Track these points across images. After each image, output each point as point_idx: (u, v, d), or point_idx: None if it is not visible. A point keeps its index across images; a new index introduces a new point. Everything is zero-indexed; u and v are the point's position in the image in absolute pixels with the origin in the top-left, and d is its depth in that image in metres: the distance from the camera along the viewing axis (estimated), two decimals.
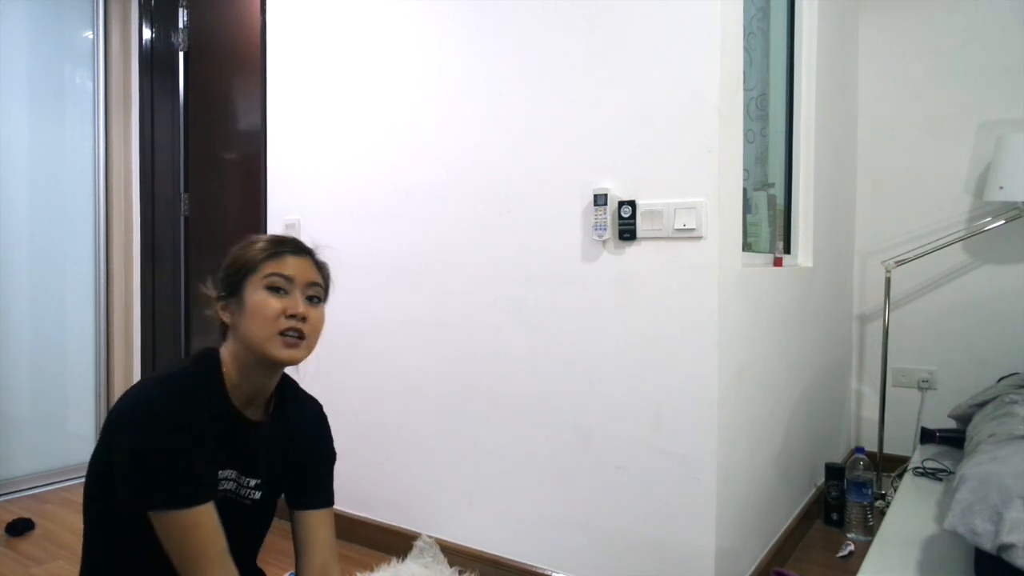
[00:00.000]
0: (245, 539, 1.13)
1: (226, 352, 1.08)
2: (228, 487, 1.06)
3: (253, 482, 1.09)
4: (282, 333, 1.03)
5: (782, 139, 2.31)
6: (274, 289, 1.05)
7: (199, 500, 0.94)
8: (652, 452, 1.65)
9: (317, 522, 1.17)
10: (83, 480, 1.04)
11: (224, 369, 1.06)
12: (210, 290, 1.10)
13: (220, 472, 1.04)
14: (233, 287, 1.06)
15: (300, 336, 1.05)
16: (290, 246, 1.09)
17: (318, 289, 1.11)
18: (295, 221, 2.35)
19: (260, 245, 1.08)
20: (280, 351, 1.04)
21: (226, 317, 1.07)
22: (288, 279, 1.06)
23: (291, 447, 1.17)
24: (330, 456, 1.24)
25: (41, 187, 2.81)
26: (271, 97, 2.43)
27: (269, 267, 1.05)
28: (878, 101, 2.92)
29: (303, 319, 1.05)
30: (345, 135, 2.22)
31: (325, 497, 1.20)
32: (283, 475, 1.16)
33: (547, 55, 1.79)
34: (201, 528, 0.94)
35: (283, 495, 1.19)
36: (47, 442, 2.82)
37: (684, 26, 1.58)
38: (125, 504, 0.94)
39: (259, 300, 1.04)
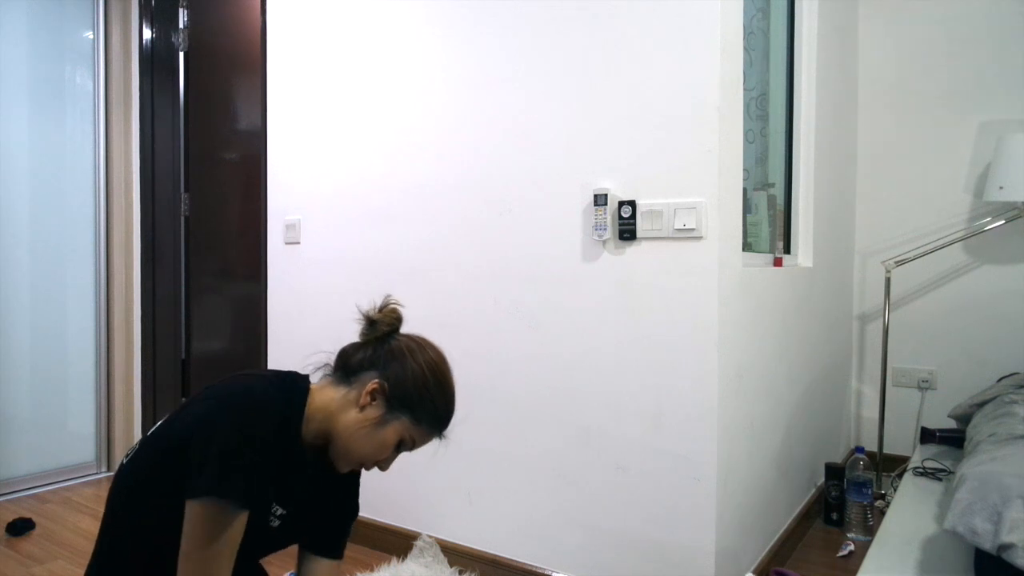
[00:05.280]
0: (250, 557, 1.14)
1: (320, 396, 1.07)
2: (273, 518, 1.07)
3: (280, 511, 1.08)
4: (361, 465, 1.08)
5: (782, 139, 2.31)
6: (398, 445, 1.07)
7: (249, 507, 0.94)
8: (652, 452, 1.65)
9: (326, 570, 1.18)
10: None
11: (308, 406, 1.06)
12: (383, 366, 1.06)
13: (273, 506, 1.06)
14: (391, 404, 1.05)
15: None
16: (447, 428, 1.12)
17: None
18: (295, 221, 2.36)
19: (438, 412, 1.08)
20: (343, 468, 1.09)
21: (365, 399, 1.04)
22: (412, 450, 1.10)
23: (324, 492, 1.17)
24: (355, 511, 1.24)
25: (41, 187, 2.81)
26: (271, 97, 2.43)
27: (419, 431, 1.07)
28: (878, 101, 2.92)
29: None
30: (345, 135, 2.22)
31: (339, 550, 1.20)
32: (307, 515, 1.15)
33: (547, 55, 1.79)
34: (234, 530, 0.93)
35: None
36: (47, 442, 2.83)
37: (684, 26, 1.58)
38: (179, 482, 0.93)
39: (385, 441, 1.05)
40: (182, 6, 2.90)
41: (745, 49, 1.77)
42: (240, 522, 0.94)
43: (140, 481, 1.00)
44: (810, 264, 2.33)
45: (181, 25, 2.90)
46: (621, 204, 1.66)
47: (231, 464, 0.91)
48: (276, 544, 1.14)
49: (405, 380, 1.04)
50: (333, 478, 1.16)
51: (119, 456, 2.97)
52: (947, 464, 2.13)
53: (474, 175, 1.93)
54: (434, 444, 1.17)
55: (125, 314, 3.02)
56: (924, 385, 2.82)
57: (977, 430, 1.92)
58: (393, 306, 1.13)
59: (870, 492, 2.24)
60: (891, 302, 2.73)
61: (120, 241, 3.01)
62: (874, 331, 2.94)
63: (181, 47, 2.91)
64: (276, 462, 1.00)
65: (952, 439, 2.34)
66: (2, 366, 2.70)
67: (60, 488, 2.78)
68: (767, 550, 1.94)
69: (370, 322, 1.11)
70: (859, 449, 2.28)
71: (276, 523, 1.09)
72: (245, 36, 2.63)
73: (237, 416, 0.93)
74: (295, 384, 1.07)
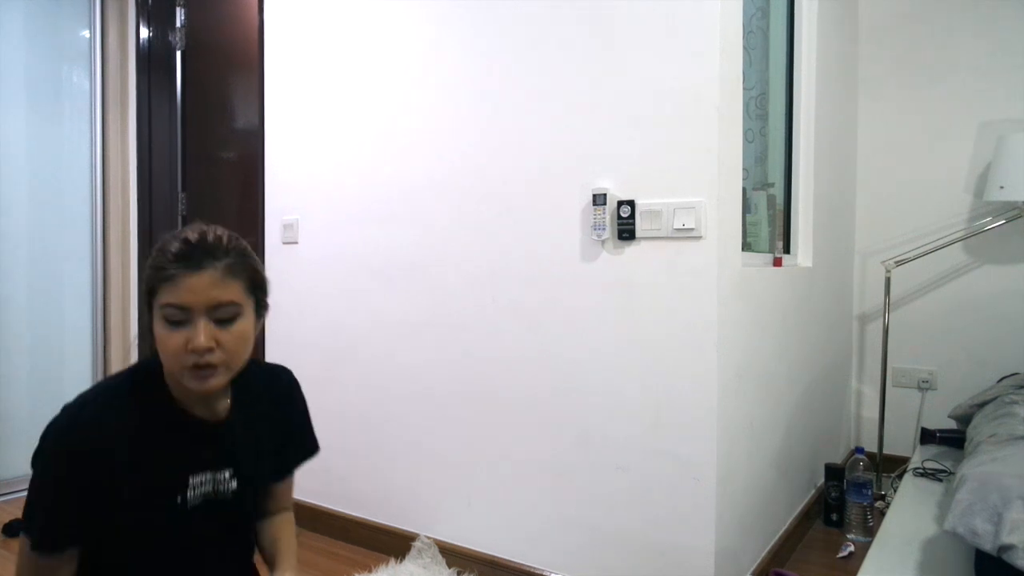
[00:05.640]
0: (236, 534, 1.11)
1: None
2: (207, 489, 1.02)
3: (227, 473, 1.04)
4: (191, 367, 0.92)
5: (782, 139, 2.31)
6: (172, 322, 0.91)
7: (57, 549, 0.92)
8: (652, 452, 1.65)
9: (278, 490, 1.19)
10: None
11: (167, 377, 0.99)
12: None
13: (193, 477, 1.00)
14: (148, 307, 0.95)
15: (212, 366, 0.93)
16: (185, 262, 0.91)
17: (231, 309, 0.94)
18: (293, 221, 2.35)
19: (155, 261, 0.93)
20: (193, 384, 0.93)
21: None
22: (183, 309, 0.91)
23: (264, 431, 1.11)
24: (303, 449, 1.20)
25: (39, 187, 2.81)
26: (269, 96, 2.43)
27: (163, 296, 0.91)
28: (878, 100, 2.92)
29: (210, 350, 0.92)
30: (344, 134, 2.21)
31: (295, 464, 1.19)
32: (260, 461, 1.11)
33: (547, 54, 1.78)
34: (43, 570, 0.93)
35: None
36: None
37: (684, 25, 1.57)
38: None
39: (159, 335, 0.92)
40: (179, 5, 2.89)
41: (745, 49, 1.77)
42: (58, 564, 0.93)
43: None
44: (810, 264, 2.33)
45: (178, 24, 2.90)
46: (620, 204, 1.66)
47: (34, 510, 0.93)
48: (247, 505, 1.09)
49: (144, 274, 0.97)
50: (269, 411, 1.12)
51: None
52: (947, 465, 2.12)
53: (473, 175, 1.93)
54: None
55: (122, 314, 3.01)
56: (924, 385, 2.81)
57: (977, 431, 1.91)
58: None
59: (870, 493, 2.23)
60: (891, 302, 2.72)
61: (117, 240, 3.00)
62: (874, 331, 2.93)
63: (178, 46, 2.90)
64: (133, 465, 0.94)
65: (952, 440, 2.34)
66: (3, 366, 2.69)
67: None
68: (767, 550, 1.93)
69: None
70: (859, 449, 2.28)
71: (233, 484, 1.04)
72: (242, 35, 2.62)
73: (40, 454, 0.93)
74: (140, 369, 1.01)
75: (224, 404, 1.05)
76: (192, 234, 0.94)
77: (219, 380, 0.94)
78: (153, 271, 0.92)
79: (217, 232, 0.97)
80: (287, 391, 1.18)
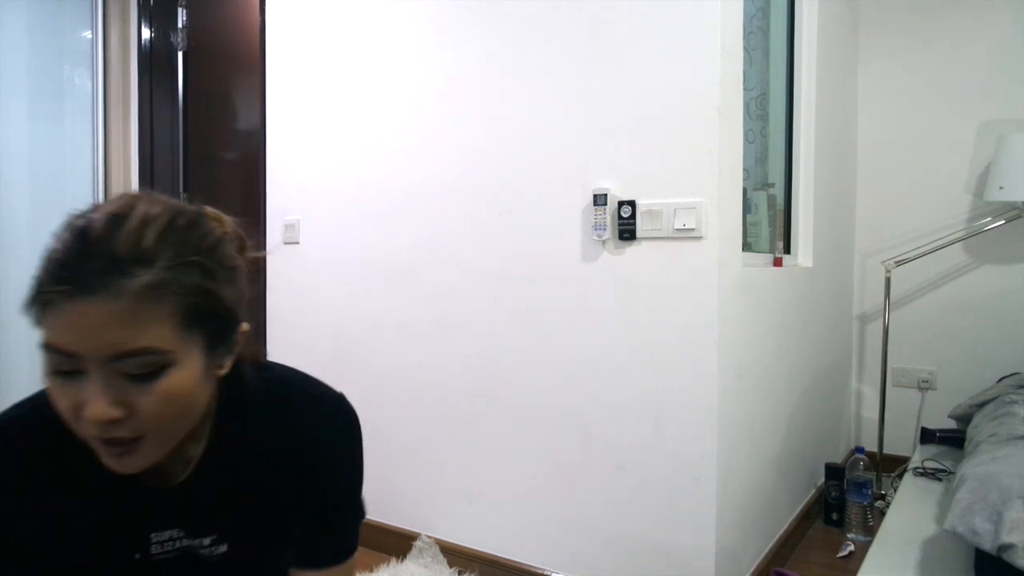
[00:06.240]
0: None
1: None
2: (183, 544, 0.75)
3: (208, 540, 0.76)
4: (95, 439, 0.60)
5: (782, 139, 2.31)
6: (59, 372, 0.58)
7: None
8: (652, 452, 1.65)
9: None
10: None
11: None
12: None
13: (157, 535, 0.74)
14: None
15: (126, 442, 0.60)
16: (69, 280, 0.55)
17: (148, 360, 0.57)
18: (295, 221, 2.35)
19: (38, 269, 0.59)
20: (108, 462, 0.62)
21: None
22: (69, 356, 0.56)
23: (273, 485, 0.77)
24: (336, 486, 0.80)
25: (41, 187, 2.81)
26: (270, 97, 2.43)
27: (44, 327, 0.58)
28: (878, 100, 2.92)
29: (116, 421, 0.58)
30: (345, 135, 2.21)
31: (336, 549, 0.81)
32: (265, 517, 0.78)
33: (547, 55, 1.79)
34: None
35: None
36: None
37: (684, 26, 1.58)
38: None
39: (49, 385, 0.60)
40: (181, 6, 2.89)
41: (745, 49, 1.77)
42: None
43: None
44: (810, 264, 2.33)
45: (180, 25, 2.90)
46: (621, 204, 1.66)
47: None
48: (250, 565, 0.80)
49: None
50: (273, 460, 0.76)
51: None
52: (947, 464, 2.13)
53: (474, 175, 1.93)
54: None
55: None
56: (924, 385, 2.82)
57: (977, 430, 1.92)
58: None
59: (870, 492, 2.24)
60: (891, 302, 2.72)
61: None
62: (874, 331, 2.93)
63: (180, 47, 2.91)
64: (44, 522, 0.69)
65: (952, 439, 2.34)
66: (3, 367, 2.70)
67: None
68: (767, 550, 1.94)
69: None
70: (859, 449, 2.28)
71: (222, 548, 0.77)
72: (244, 36, 2.63)
73: None
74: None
75: (185, 459, 0.72)
76: (99, 218, 0.57)
77: (142, 460, 0.62)
78: (31, 285, 0.58)
79: (150, 211, 0.58)
80: (324, 432, 0.78)
